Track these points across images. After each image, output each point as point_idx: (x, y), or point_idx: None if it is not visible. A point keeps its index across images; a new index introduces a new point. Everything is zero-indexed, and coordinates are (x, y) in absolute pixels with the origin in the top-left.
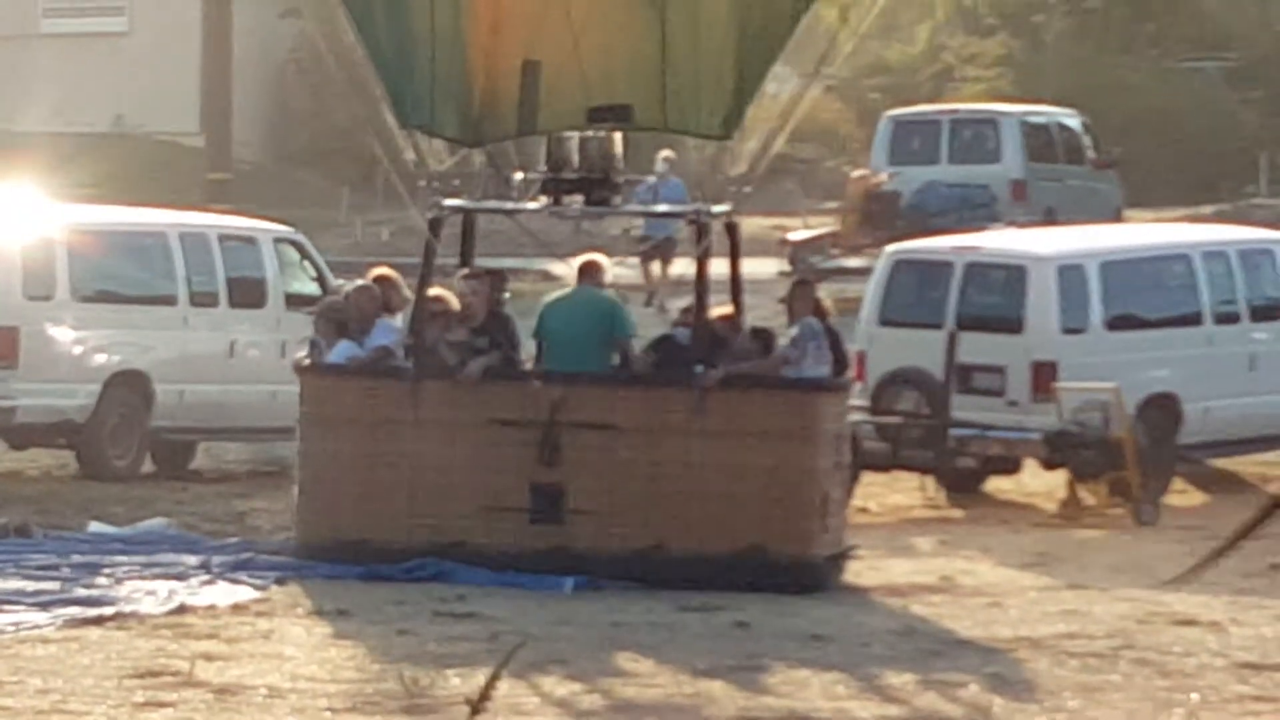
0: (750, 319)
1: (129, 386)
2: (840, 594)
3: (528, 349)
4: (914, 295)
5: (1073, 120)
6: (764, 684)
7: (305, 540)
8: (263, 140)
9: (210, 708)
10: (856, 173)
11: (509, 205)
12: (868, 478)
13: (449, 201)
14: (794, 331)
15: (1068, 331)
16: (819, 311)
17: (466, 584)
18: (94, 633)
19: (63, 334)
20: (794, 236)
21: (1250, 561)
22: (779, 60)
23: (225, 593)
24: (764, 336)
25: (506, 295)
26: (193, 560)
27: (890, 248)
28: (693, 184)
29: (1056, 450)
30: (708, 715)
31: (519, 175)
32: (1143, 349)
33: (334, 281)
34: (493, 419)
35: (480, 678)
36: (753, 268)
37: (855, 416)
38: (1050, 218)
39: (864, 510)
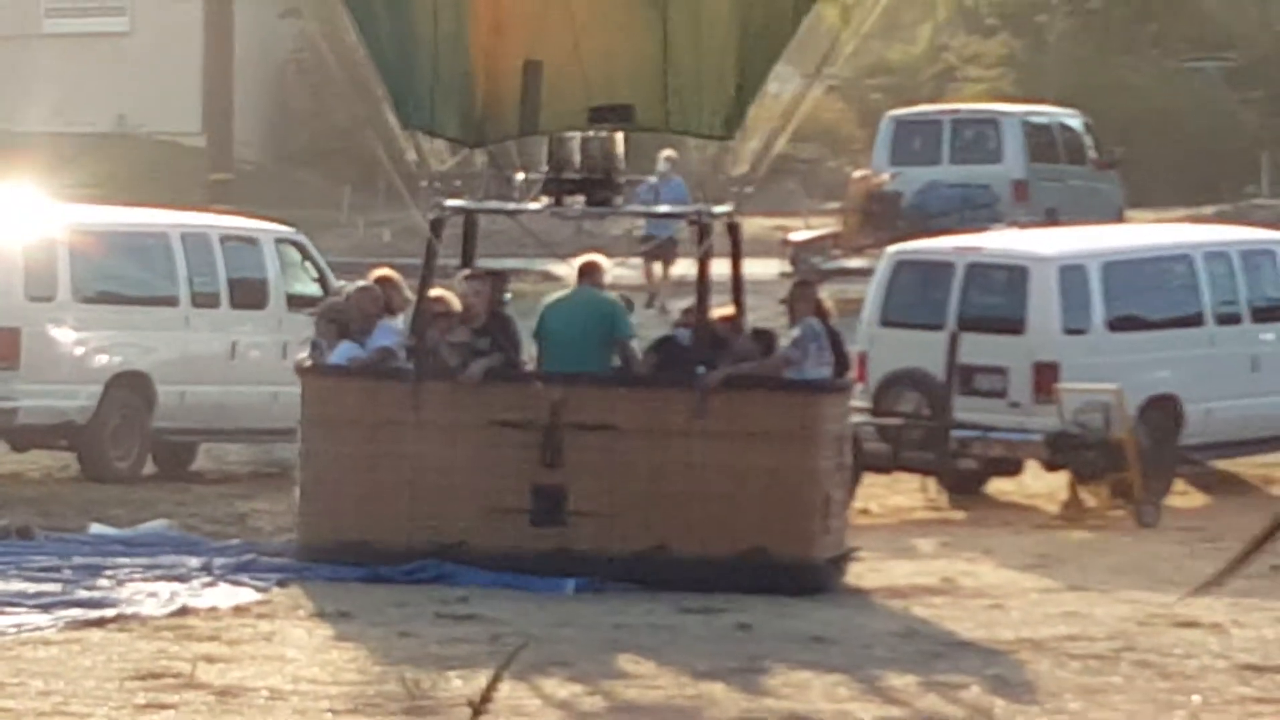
0: (751, 320)
1: (130, 388)
2: (842, 596)
3: (529, 350)
4: (915, 296)
5: (1074, 120)
6: (765, 686)
7: (307, 542)
8: (264, 140)
9: (212, 710)
10: (858, 173)
11: (510, 206)
12: (869, 479)
13: (450, 202)
14: (795, 332)
15: (1069, 332)
16: (820, 312)
17: (468, 585)
18: (95, 634)
19: (64, 335)
20: (795, 237)
21: (1252, 563)
22: (781, 60)
23: (227, 594)
24: (765, 337)
25: (508, 296)
26: (194, 562)
27: (892, 248)
28: (694, 184)
29: (1058, 451)
30: (709, 717)
31: (520, 176)
32: (1144, 350)
33: (335, 282)
34: (494, 420)
35: (482, 679)
36: (754, 268)
37: (857, 418)
38: (1052, 218)
39: (865, 512)
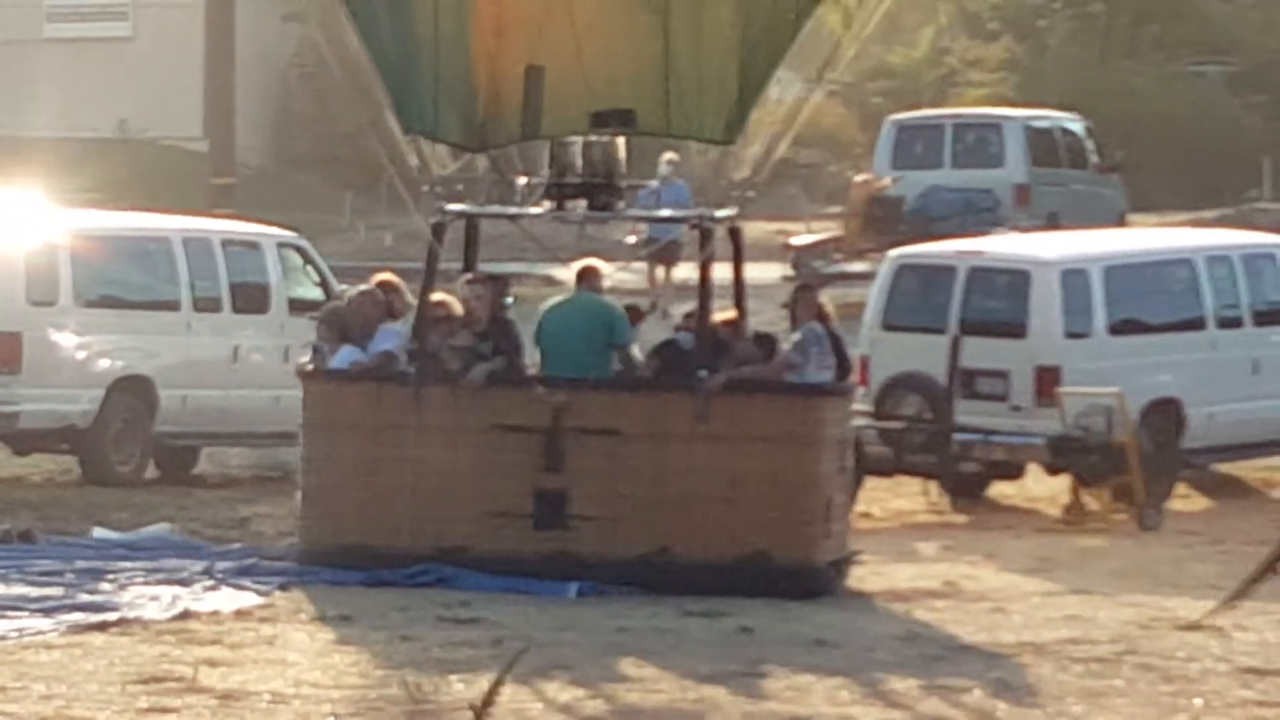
0: (753, 324)
1: (132, 392)
2: (844, 599)
3: (531, 354)
4: (917, 300)
5: (1076, 125)
6: (767, 689)
7: (308, 546)
8: (266, 145)
9: (214, 713)
10: (859, 177)
11: (512, 210)
12: (871, 483)
13: (452, 206)
14: (797, 336)
15: (1071, 336)
16: (822, 316)
17: (470, 589)
18: (97, 638)
19: (66, 339)
20: (797, 241)
21: (1254, 567)
22: (782, 65)
23: (229, 598)
24: (767, 341)
25: (510, 300)
26: (196, 566)
27: (893, 252)
28: (696, 189)
29: (1060, 455)
30: None
31: (522, 180)
32: (1146, 354)
33: (337, 286)
34: (496, 424)
35: (484, 683)
36: (756, 273)
37: (858, 421)
38: (1053, 222)
39: (867, 515)
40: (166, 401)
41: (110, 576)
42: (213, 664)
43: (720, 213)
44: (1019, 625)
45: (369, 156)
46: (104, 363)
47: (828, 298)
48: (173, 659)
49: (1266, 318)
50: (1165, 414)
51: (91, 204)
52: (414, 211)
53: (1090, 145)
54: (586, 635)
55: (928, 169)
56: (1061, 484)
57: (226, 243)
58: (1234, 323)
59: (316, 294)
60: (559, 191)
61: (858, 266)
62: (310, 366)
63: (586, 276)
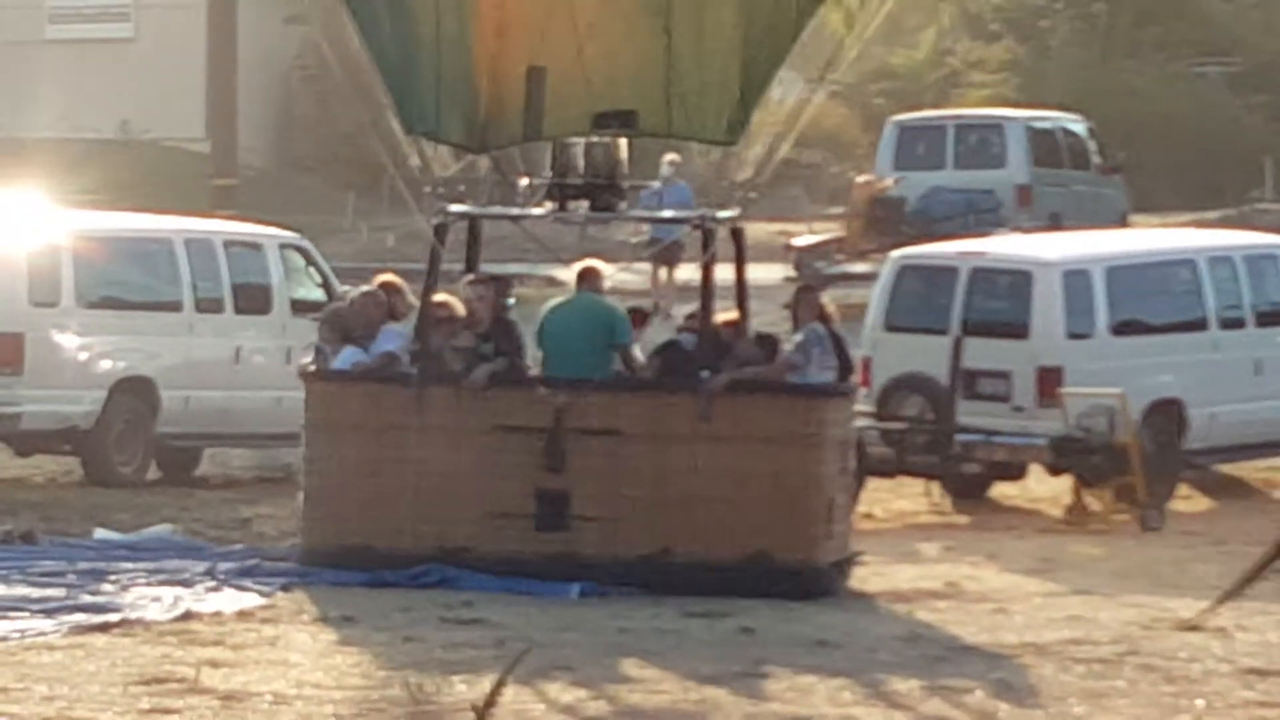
0: (755, 325)
1: (134, 393)
2: (845, 600)
3: (533, 355)
4: (919, 301)
5: (1078, 125)
6: (769, 690)
7: (310, 546)
8: (268, 146)
9: (216, 714)
10: (862, 178)
11: (514, 211)
12: (873, 483)
13: (454, 207)
14: (799, 337)
15: (1073, 337)
16: (824, 317)
17: (472, 590)
18: (99, 639)
19: (68, 340)
20: (799, 242)
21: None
22: (784, 65)
23: (231, 599)
24: (769, 342)
25: (512, 301)
26: (198, 567)
27: (895, 253)
28: (698, 189)
29: (1062, 456)
30: None
31: (524, 181)
32: (1148, 354)
33: (339, 287)
34: (498, 425)
35: (486, 684)
36: (758, 273)
37: (860, 422)
38: (1056, 223)
39: (869, 516)
40: (168, 402)
41: (112, 577)
42: (215, 665)
43: (722, 213)
44: (1021, 626)
45: (371, 158)
46: (106, 364)
47: (829, 298)
48: (175, 660)
49: (1269, 318)
50: (1167, 415)
51: (93, 205)
52: (416, 212)
53: (1092, 146)
54: (588, 636)
55: (930, 170)
56: (1063, 484)
57: (228, 244)
58: (1236, 323)
59: (319, 295)
60: (561, 192)
61: (860, 267)
62: (312, 367)
63: (587, 277)
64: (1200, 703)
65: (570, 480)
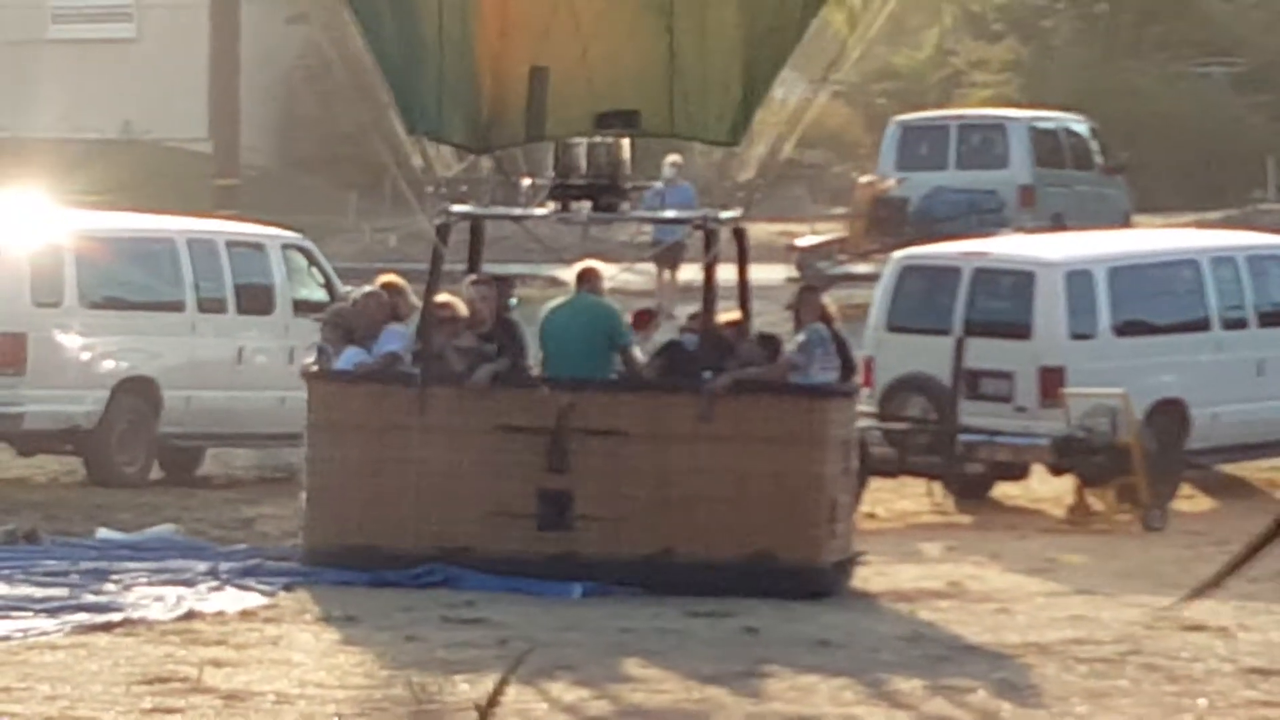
0: (757, 325)
1: (137, 393)
2: (848, 600)
3: (535, 355)
4: (922, 301)
5: (1080, 125)
6: (772, 690)
7: (313, 546)
8: (270, 146)
9: (218, 714)
10: (864, 178)
11: (517, 211)
12: (875, 483)
13: (457, 208)
14: (801, 337)
15: (1076, 337)
16: (826, 317)
17: (474, 590)
18: (102, 639)
19: (70, 340)
20: (801, 242)
21: (1257, 566)
22: (786, 65)
23: (233, 599)
24: (771, 342)
25: (514, 301)
26: (201, 566)
27: (898, 253)
28: (700, 190)
29: (1064, 456)
30: None
31: (527, 181)
32: (1150, 355)
33: (342, 288)
34: (500, 425)
35: (488, 684)
36: (760, 273)
37: (863, 422)
38: (1058, 223)
39: (871, 516)
40: (171, 402)
41: (115, 577)
42: (217, 664)
43: (725, 214)
44: (1023, 625)
45: (373, 158)
46: (108, 364)
47: (832, 299)
48: (177, 659)
49: (1271, 319)
50: (1170, 415)
51: (96, 205)
52: (418, 212)
53: (1095, 146)
54: (590, 636)
55: (932, 170)
56: (1066, 485)
57: (231, 244)
58: (1239, 324)
59: (321, 295)
60: (563, 193)
61: (862, 268)
62: (315, 367)
63: (587, 278)
64: (1203, 702)
65: (572, 480)
